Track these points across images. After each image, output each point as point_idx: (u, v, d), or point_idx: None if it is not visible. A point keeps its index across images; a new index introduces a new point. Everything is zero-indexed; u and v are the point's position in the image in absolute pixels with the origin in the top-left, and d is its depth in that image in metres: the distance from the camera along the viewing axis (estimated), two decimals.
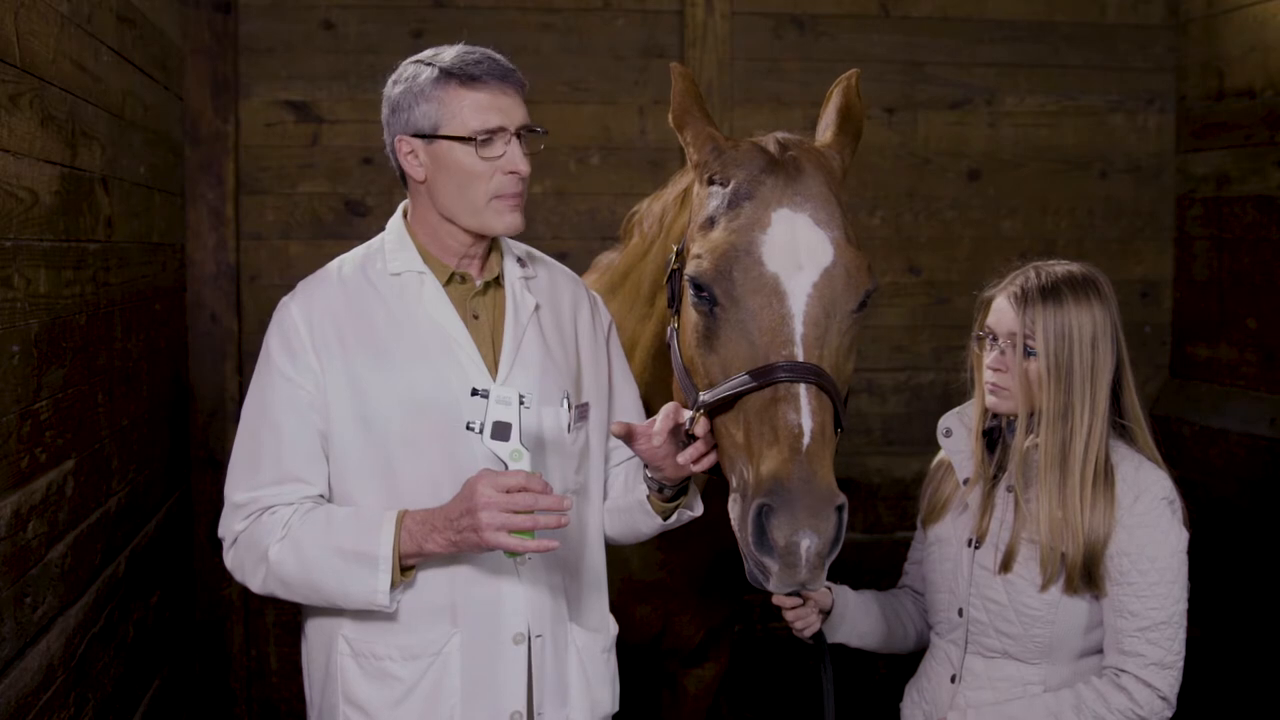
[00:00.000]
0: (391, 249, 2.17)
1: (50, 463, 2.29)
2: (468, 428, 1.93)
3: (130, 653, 2.89)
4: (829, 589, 2.45)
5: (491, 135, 2.05)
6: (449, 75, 2.06)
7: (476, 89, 2.05)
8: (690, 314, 2.11)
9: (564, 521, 1.91)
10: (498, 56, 2.10)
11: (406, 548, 1.98)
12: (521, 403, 1.93)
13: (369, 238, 2.25)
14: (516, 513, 1.88)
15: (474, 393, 1.94)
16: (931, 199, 4.29)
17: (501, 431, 1.92)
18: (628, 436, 2.05)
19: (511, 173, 2.07)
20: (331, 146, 3.99)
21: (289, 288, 2.19)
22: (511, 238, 2.23)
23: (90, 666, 2.53)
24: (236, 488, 2.10)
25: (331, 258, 2.25)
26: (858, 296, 2.05)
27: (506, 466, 1.92)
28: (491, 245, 2.23)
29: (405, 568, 2.01)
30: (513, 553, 1.94)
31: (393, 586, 1.99)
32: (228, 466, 2.14)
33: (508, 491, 1.88)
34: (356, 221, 3.97)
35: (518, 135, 2.08)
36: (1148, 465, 2.23)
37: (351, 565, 1.99)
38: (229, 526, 2.10)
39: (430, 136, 2.07)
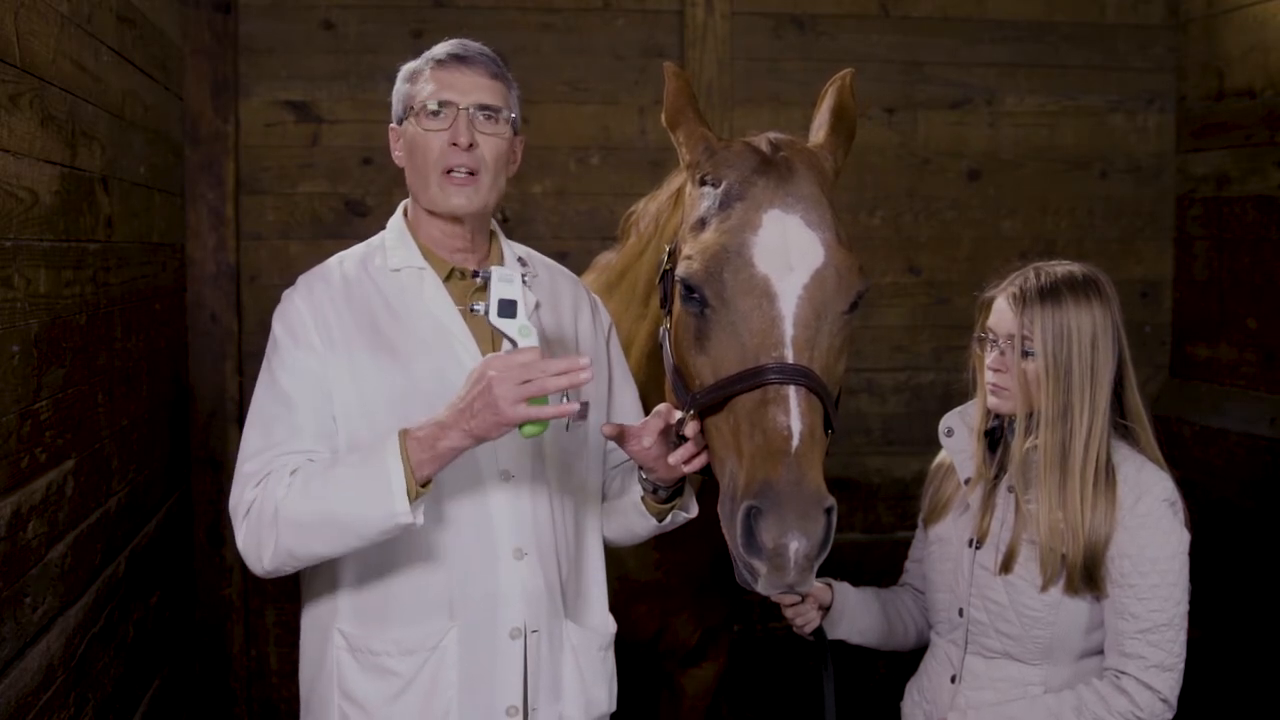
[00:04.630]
0: (392, 245, 2.19)
1: (50, 463, 2.29)
2: (472, 310, 1.91)
3: (130, 653, 2.89)
4: (829, 585, 2.46)
5: (440, 108, 2.09)
6: (425, 63, 2.14)
7: (439, 69, 2.12)
8: (681, 315, 2.11)
9: (583, 379, 1.83)
10: (472, 44, 2.16)
11: (418, 455, 1.90)
12: (524, 280, 1.93)
13: (369, 238, 2.26)
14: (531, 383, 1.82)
15: (474, 275, 1.94)
16: (931, 199, 4.29)
17: (507, 309, 1.89)
18: (619, 438, 2.05)
19: (454, 144, 2.07)
20: (331, 146, 3.99)
21: (289, 287, 2.19)
22: (512, 239, 2.23)
23: (90, 666, 2.53)
24: (247, 459, 2.05)
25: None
26: (849, 298, 2.05)
27: (516, 344, 1.89)
28: (491, 243, 2.23)
29: (424, 484, 1.93)
30: (534, 426, 1.87)
31: (411, 500, 1.91)
32: (240, 444, 2.08)
33: (521, 365, 1.84)
34: (356, 221, 3.96)
35: (474, 114, 2.09)
36: (1149, 466, 2.23)
37: (364, 484, 1.91)
38: (240, 496, 2.03)
39: (401, 119, 2.15)
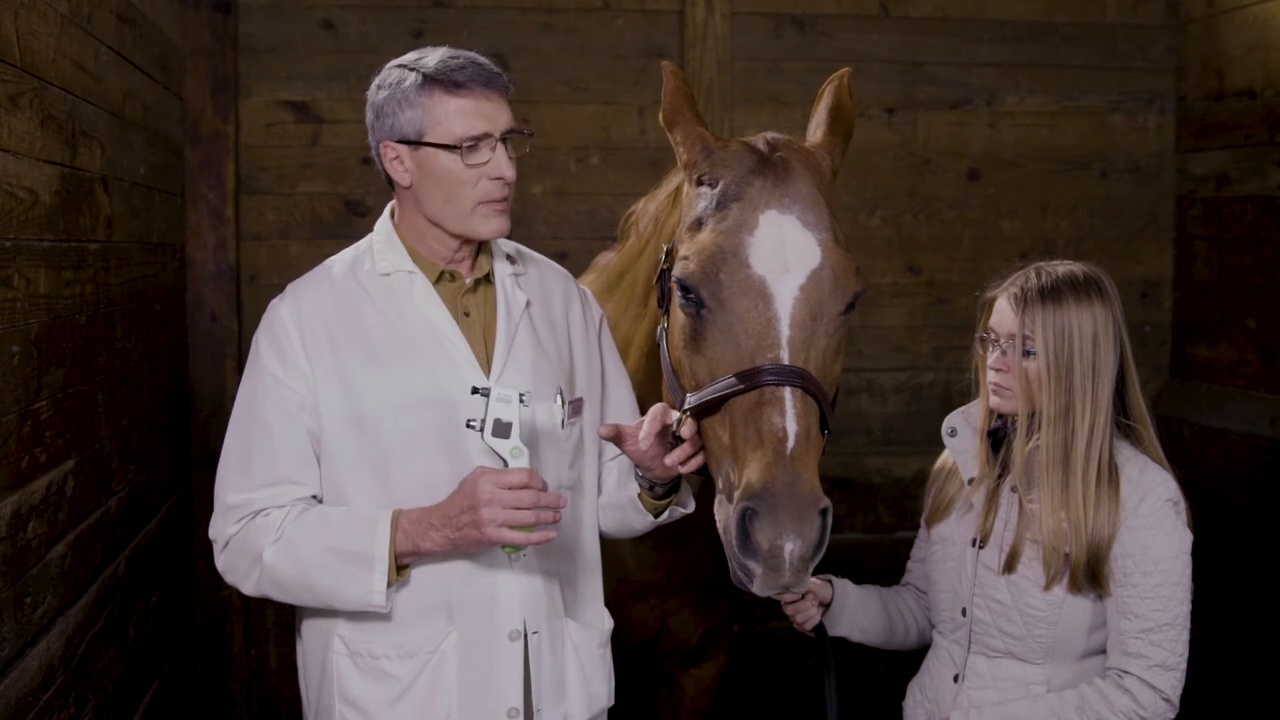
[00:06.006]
0: (380, 250, 2.17)
1: (50, 463, 2.29)
2: (468, 425, 1.94)
3: (130, 653, 2.89)
4: (829, 582, 2.46)
5: (477, 142, 2.04)
6: (433, 81, 2.04)
7: (460, 95, 2.04)
8: (678, 315, 2.11)
9: (559, 518, 1.93)
10: (482, 61, 2.09)
11: (402, 547, 1.99)
12: (521, 401, 1.94)
13: None
14: (517, 509, 1.89)
15: (474, 391, 1.95)
16: (931, 199, 4.29)
17: (502, 429, 1.93)
18: (616, 438, 2.06)
19: (497, 178, 2.06)
20: (331, 146, 3.99)
21: (280, 293, 2.19)
22: (511, 239, 2.23)
23: (90, 666, 2.53)
24: (228, 490, 2.10)
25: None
26: (845, 299, 2.04)
27: (506, 463, 1.93)
28: (480, 244, 2.23)
29: (400, 566, 2.02)
30: (512, 548, 1.95)
31: (388, 586, 2.00)
32: (218, 467, 2.15)
33: (509, 489, 1.89)
34: (356, 221, 3.97)
35: (503, 140, 2.07)
36: (1152, 467, 2.23)
37: (348, 566, 1.99)
38: (221, 529, 2.10)
39: (415, 143, 2.06)
